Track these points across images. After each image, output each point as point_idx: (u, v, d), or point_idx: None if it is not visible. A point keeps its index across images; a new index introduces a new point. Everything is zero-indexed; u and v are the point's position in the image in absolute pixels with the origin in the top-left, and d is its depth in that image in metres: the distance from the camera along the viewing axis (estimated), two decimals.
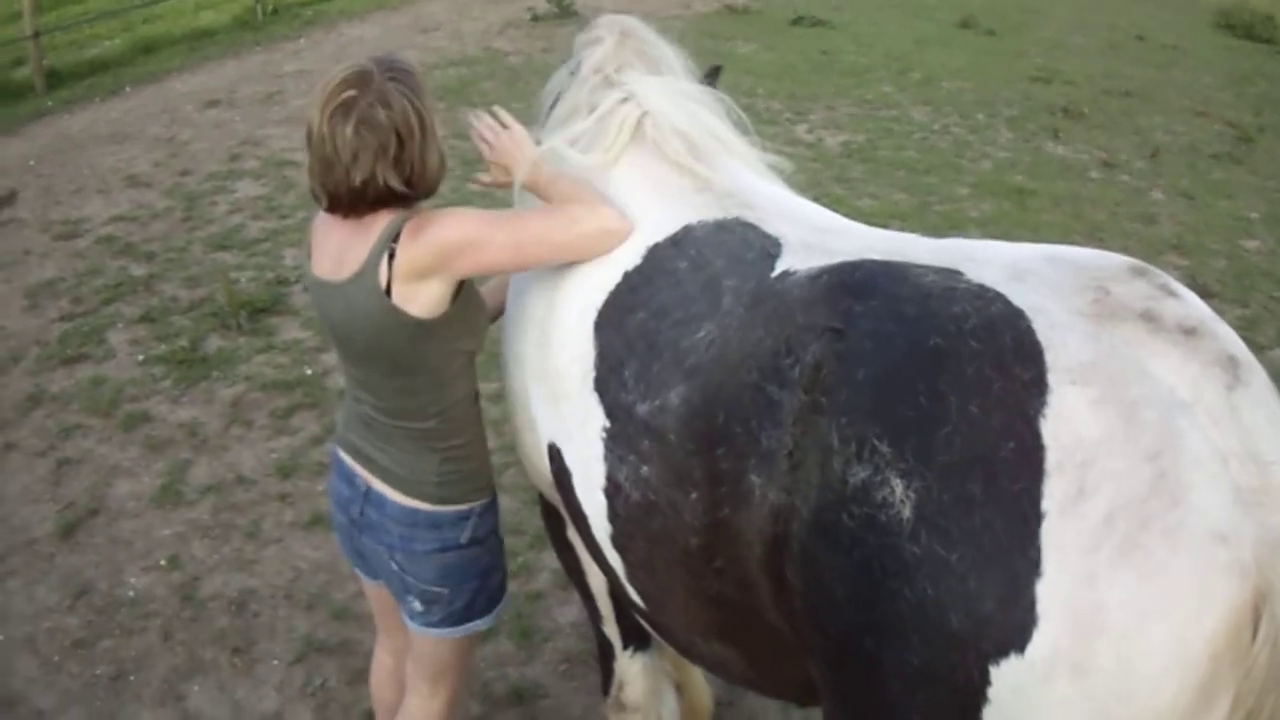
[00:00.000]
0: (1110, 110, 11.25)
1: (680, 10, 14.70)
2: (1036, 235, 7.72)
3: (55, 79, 10.93)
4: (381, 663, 3.13)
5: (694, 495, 2.12)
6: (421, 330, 2.41)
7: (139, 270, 6.96)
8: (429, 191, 2.42)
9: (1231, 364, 1.74)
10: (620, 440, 2.30)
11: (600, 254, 2.47)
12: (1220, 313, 6.70)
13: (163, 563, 4.47)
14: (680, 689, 3.37)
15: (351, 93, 2.27)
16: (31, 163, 8.84)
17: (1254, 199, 8.99)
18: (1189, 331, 1.76)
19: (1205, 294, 6.89)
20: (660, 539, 2.24)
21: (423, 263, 2.35)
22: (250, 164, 8.73)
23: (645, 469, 2.23)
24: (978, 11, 15.48)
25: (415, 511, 2.60)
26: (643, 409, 2.24)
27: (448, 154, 2.47)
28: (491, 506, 2.74)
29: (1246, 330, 6.61)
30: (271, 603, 4.27)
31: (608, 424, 2.34)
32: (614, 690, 3.23)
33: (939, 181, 8.87)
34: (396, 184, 2.31)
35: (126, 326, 6.30)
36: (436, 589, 2.66)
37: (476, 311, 2.57)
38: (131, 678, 3.93)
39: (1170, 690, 1.57)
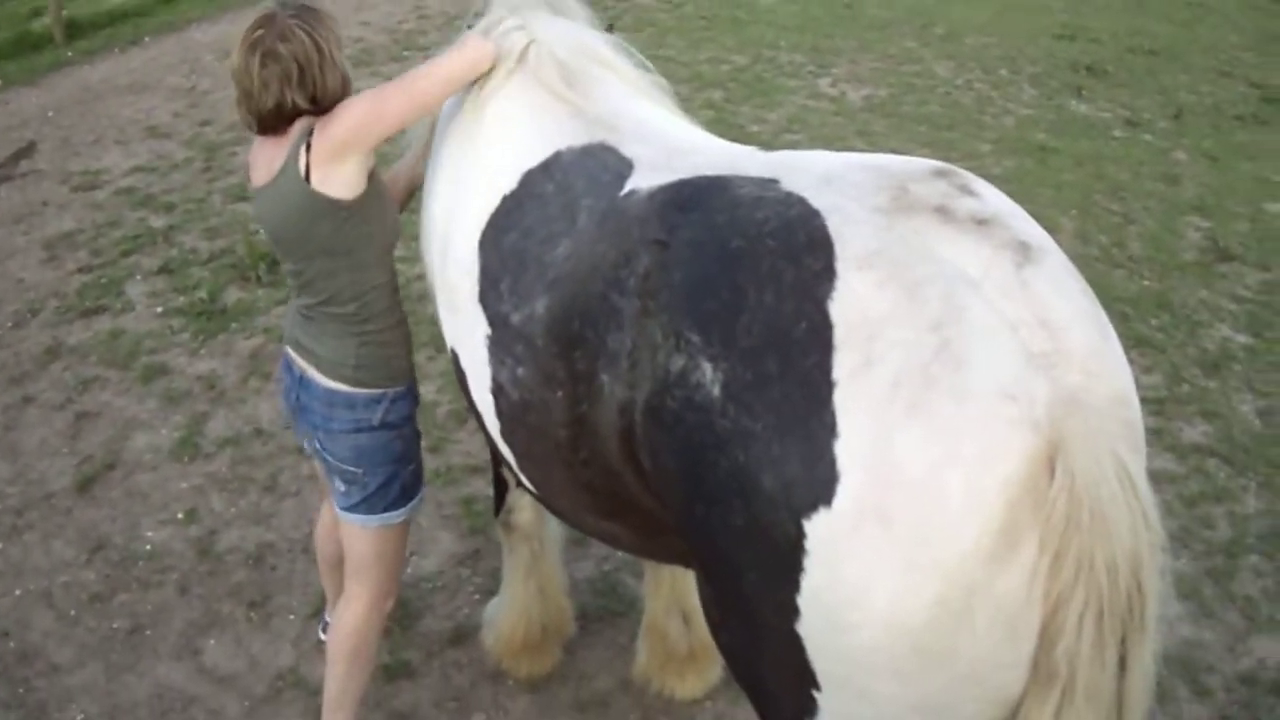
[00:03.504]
0: (1134, 68, 10.95)
1: None
2: (1058, 193, 7.59)
3: (74, 30, 10.83)
4: (323, 520, 3.60)
5: (560, 393, 2.41)
6: (339, 211, 2.80)
7: (158, 222, 6.92)
8: (334, 105, 2.80)
9: (1023, 247, 1.92)
10: (500, 346, 2.61)
11: (479, 74, 2.90)
12: (1241, 275, 6.55)
13: (180, 516, 4.46)
14: (687, 620, 3.57)
15: (259, 32, 2.73)
16: (50, 114, 8.80)
17: (1278, 162, 8.71)
18: (981, 221, 1.95)
19: (1226, 256, 6.89)
20: (537, 433, 2.54)
21: (338, 141, 2.74)
22: None
23: (520, 371, 2.54)
24: None
25: (335, 392, 2.98)
26: (516, 318, 2.55)
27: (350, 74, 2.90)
28: (405, 395, 3.10)
29: (1268, 294, 6.53)
30: (289, 556, 4.26)
31: (490, 332, 2.65)
32: (504, 514, 3.60)
33: (961, 137, 8.73)
34: (303, 103, 2.76)
35: (145, 278, 6.28)
36: (352, 469, 3.02)
37: (387, 203, 2.99)
38: (148, 631, 3.93)
39: (970, 533, 1.74)
